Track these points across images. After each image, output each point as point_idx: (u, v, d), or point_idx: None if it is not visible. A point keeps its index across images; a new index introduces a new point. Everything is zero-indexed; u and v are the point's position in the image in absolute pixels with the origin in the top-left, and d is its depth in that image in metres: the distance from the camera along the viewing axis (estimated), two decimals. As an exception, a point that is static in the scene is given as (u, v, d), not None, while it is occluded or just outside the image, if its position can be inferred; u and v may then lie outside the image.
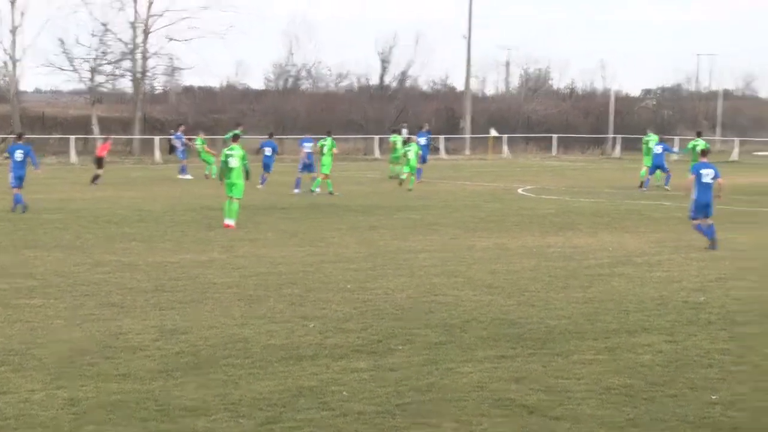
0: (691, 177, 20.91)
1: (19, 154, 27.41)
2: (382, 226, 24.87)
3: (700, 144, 38.54)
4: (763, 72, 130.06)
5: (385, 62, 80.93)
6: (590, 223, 25.95)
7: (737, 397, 9.92)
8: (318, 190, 34.49)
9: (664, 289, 15.88)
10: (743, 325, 13.21)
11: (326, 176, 34.55)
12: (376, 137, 61.66)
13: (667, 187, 37.42)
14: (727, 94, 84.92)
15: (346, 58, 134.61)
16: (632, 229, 24.28)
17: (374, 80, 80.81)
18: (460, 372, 10.80)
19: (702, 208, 20.76)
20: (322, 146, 35.26)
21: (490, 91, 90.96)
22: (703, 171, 20.77)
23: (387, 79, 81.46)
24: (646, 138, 40.31)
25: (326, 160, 34.85)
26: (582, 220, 26.74)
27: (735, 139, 67.07)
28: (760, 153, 62.99)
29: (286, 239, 21.98)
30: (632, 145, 71.16)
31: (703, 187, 20.70)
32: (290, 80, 77.34)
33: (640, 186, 38.47)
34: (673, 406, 9.66)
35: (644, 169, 39.23)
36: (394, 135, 47.31)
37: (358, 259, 19.03)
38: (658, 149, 38.74)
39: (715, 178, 20.84)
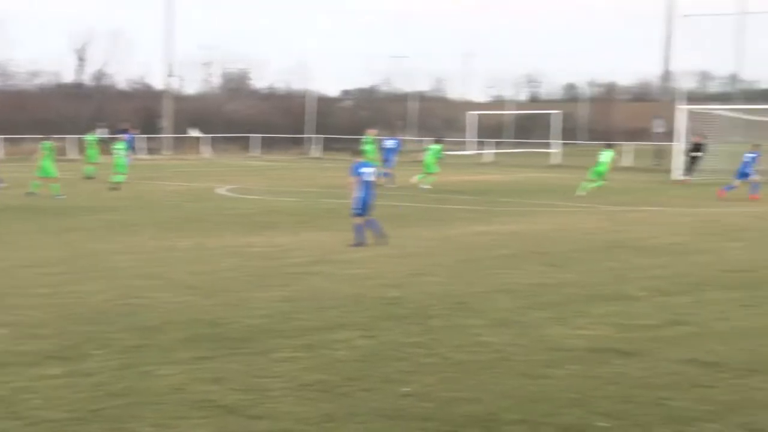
0: (353, 178, 21.52)
1: None
2: (80, 227, 24.26)
3: (434, 149, 40.52)
4: (451, 74, 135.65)
5: (81, 60, 78.88)
6: (291, 222, 26.28)
7: (427, 388, 10.33)
8: (38, 191, 33.89)
9: (361, 286, 16.30)
10: (433, 319, 13.76)
11: (51, 179, 34.02)
12: (71, 137, 59.96)
13: (385, 182, 39.07)
14: (419, 95, 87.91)
15: (39, 55, 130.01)
16: (331, 227, 24.74)
17: (70, 78, 78.61)
18: (158, 375, 10.70)
19: (368, 206, 21.45)
20: (44, 149, 34.95)
21: (190, 90, 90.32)
22: (364, 170, 21.48)
23: (83, 77, 79.44)
24: (366, 138, 41.41)
25: (46, 163, 34.35)
26: (283, 219, 27.05)
27: (428, 138, 69.46)
28: (449, 152, 65.43)
29: (-25, 243, 21.05)
30: (331, 145, 72.70)
31: (367, 186, 21.42)
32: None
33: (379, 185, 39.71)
34: (367, 399, 9.95)
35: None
36: (90, 134, 46.43)
37: (54, 262, 18.48)
38: (391, 143, 40.48)
39: (374, 175, 21.65)
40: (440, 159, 41.47)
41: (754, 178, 36.36)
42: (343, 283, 16.64)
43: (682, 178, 45.88)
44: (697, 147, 46.48)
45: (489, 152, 66.29)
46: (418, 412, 9.56)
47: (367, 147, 40.63)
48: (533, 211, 30.28)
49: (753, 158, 36.82)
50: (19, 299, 14.71)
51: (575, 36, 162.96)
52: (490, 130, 74.41)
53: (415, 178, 39.93)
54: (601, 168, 38.01)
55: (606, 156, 38.43)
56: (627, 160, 57.85)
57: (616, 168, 54.43)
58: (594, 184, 37.14)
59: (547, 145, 65.81)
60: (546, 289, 16.09)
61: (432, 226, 25.46)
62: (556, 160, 61.99)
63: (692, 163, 46.44)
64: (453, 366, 11.25)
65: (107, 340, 12.18)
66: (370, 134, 41.43)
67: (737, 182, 36.46)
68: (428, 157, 40.90)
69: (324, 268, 18.18)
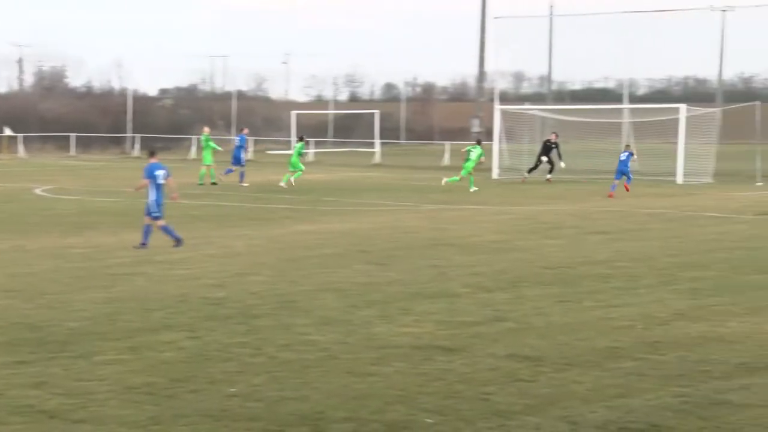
0: (145, 180, 21.12)
1: None
2: None
3: (297, 146, 40.95)
4: (272, 74, 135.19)
5: None
6: (112, 222, 25.81)
7: (254, 388, 10.32)
8: None
9: (185, 287, 16.14)
10: (259, 318, 13.74)
11: None
12: None
13: (243, 183, 39.48)
14: (240, 95, 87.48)
15: None
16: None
17: None
18: (-24, 381, 10.39)
19: (162, 208, 21.16)
20: None
21: (2, 88, 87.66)
22: (158, 172, 21.15)
23: None
24: (204, 137, 41.66)
25: None
26: (104, 219, 26.54)
27: (250, 138, 69.22)
28: (272, 152, 65.42)
29: None
30: (152, 144, 71.61)
31: (160, 188, 21.11)
32: None
33: (213, 183, 39.78)
34: (194, 401, 9.88)
35: (204, 168, 40.51)
36: None
37: None
38: (237, 141, 40.77)
39: (166, 177, 21.30)
40: (302, 156, 41.56)
41: (616, 180, 37.85)
42: (167, 284, 16.45)
43: (547, 176, 45.17)
44: (549, 145, 45.59)
45: (311, 152, 66.36)
46: (245, 412, 9.55)
47: (209, 144, 41.09)
48: (356, 210, 30.52)
49: (628, 156, 38.35)
50: None
51: (394, 36, 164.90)
52: (312, 130, 74.59)
53: (285, 181, 39.81)
54: (469, 164, 39.23)
55: (474, 152, 39.59)
56: (446, 160, 58.83)
57: (437, 167, 55.47)
58: (464, 178, 38.69)
59: (367, 145, 66.35)
60: (371, 288, 16.25)
61: (256, 226, 25.39)
62: (376, 159, 62.55)
63: (549, 162, 45.46)
64: (280, 365, 11.26)
65: None
66: (206, 132, 41.69)
67: (617, 181, 37.95)
68: (293, 155, 41.00)
69: (148, 269, 17.93)
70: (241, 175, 40.46)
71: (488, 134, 56.63)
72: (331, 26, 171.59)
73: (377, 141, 65.12)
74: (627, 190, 37.75)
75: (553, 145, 45.25)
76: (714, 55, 72.60)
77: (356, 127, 77.61)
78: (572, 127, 52.92)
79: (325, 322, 13.57)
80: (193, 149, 65.85)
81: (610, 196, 36.05)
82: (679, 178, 44.94)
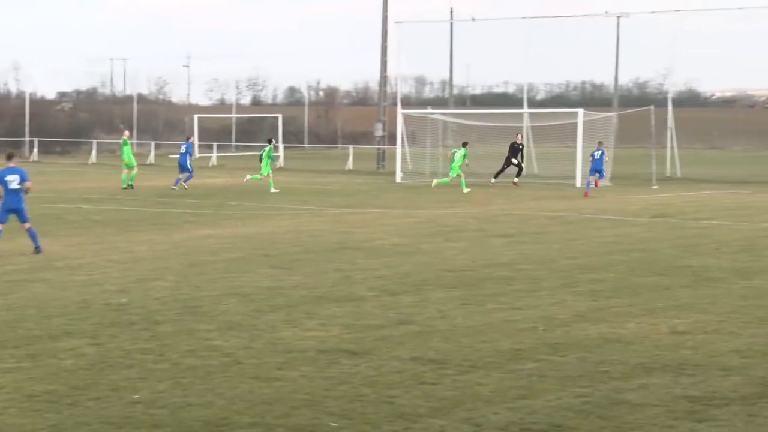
0: None
1: None
2: None
3: (266, 149, 40.54)
4: (173, 77, 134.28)
5: None
6: (7, 228, 25.19)
7: (158, 394, 10.24)
8: None
9: (87, 293, 15.94)
10: (162, 324, 13.63)
11: None
12: None
13: (185, 185, 39.78)
14: (141, 98, 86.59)
15: None
16: (52, 233, 24.02)
17: None
18: None
19: (11, 213, 20.70)
20: None
21: None
22: (9, 177, 20.63)
23: None
24: (123, 140, 41.76)
25: None
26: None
27: (151, 142, 68.74)
28: (174, 155, 64.86)
29: None
30: (51, 149, 70.65)
31: (12, 193, 20.62)
32: None
33: (129, 187, 39.63)
34: (96, 408, 9.76)
35: (135, 170, 40.70)
36: None
37: None
38: (182, 149, 40.93)
39: (22, 182, 20.74)
40: (272, 159, 41.09)
41: (593, 177, 38.98)
42: (68, 290, 16.22)
43: (514, 180, 44.66)
44: (516, 147, 44.78)
45: (214, 155, 65.93)
46: (149, 419, 9.47)
47: (125, 149, 41.06)
48: (260, 214, 30.40)
49: (602, 154, 39.17)
50: None
51: (297, 39, 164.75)
52: (214, 134, 74.20)
53: (272, 186, 39.54)
54: (455, 165, 40.71)
55: (458, 154, 41.00)
56: (350, 164, 58.93)
57: (341, 171, 55.53)
58: (459, 179, 39.96)
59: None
60: (276, 292, 16.22)
61: (159, 231, 25.15)
62: (280, 163, 62.38)
63: (518, 165, 44.60)
64: (184, 371, 11.18)
65: None
66: (125, 136, 42.01)
67: (591, 178, 38.98)
68: (264, 159, 40.56)
69: (48, 275, 17.67)
70: (181, 179, 40.28)
71: (391, 138, 56.83)
72: (233, 28, 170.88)
73: (281, 145, 64.98)
74: (596, 185, 40.00)
75: (521, 147, 45.06)
76: (610, 60, 73.74)
77: (259, 131, 77.40)
78: (474, 131, 53.37)
79: (230, 327, 13.51)
80: (94, 153, 65.04)
81: (586, 195, 37.09)
82: (578, 182, 45.57)
